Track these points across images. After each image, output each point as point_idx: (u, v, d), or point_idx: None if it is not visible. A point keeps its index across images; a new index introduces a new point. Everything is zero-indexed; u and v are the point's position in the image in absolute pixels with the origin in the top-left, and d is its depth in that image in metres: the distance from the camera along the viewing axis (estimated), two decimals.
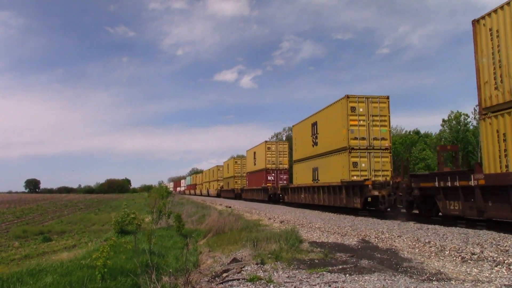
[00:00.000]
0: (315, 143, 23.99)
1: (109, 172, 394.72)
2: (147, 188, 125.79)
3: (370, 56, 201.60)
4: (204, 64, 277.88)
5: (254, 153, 42.09)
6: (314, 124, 24.21)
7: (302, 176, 26.55)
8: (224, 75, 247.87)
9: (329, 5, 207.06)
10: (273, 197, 34.99)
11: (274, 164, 37.47)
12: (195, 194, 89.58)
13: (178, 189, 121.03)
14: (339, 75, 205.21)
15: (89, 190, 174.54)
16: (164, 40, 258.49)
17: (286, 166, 38.00)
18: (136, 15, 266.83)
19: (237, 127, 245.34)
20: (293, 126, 29.58)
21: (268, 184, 36.26)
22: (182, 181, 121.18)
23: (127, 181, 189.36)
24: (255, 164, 41.49)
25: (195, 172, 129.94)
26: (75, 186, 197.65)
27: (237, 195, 50.04)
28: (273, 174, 37.01)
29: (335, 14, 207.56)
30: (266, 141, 38.46)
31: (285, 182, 36.23)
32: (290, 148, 35.78)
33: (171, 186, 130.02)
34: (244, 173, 49.19)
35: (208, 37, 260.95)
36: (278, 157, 37.84)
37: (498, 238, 9.42)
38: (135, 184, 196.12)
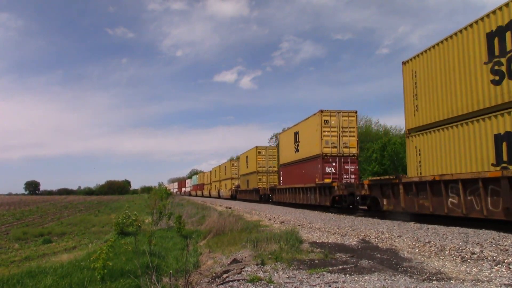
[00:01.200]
0: None
1: (109, 174, 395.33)
2: (147, 190, 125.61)
3: (370, 56, 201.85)
4: (203, 65, 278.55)
5: (296, 134, 27.82)
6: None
7: (453, 156, 12.83)
8: (224, 76, 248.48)
9: (328, 5, 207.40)
10: (344, 202, 20.38)
11: (335, 147, 23.33)
12: (202, 196, 79.16)
13: (183, 189, 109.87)
14: (339, 75, 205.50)
15: (89, 192, 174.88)
16: (164, 41, 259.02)
17: (355, 151, 23.70)
18: (136, 16, 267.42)
19: (237, 128, 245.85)
20: (411, 59, 15.62)
21: (326, 180, 22.70)
22: (188, 180, 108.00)
23: (127, 183, 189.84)
24: (297, 151, 27.57)
25: (195, 172, 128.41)
26: (75, 187, 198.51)
27: (263, 197, 37.71)
28: (333, 164, 23.24)
29: (335, 14, 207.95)
30: (321, 111, 23.43)
31: (353, 176, 23.27)
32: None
33: (175, 187, 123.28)
34: (272, 167, 39.47)
35: (208, 38, 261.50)
36: (341, 136, 23.49)
37: (498, 238, 9.43)
38: (135, 185, 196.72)
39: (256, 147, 40.08)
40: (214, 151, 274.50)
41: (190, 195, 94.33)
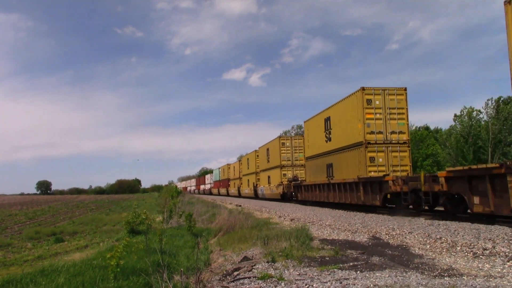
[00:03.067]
0: None
1: (119, 173, 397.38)
2: (157, 188, 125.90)
3: (380, 52, 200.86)
4: (212, 63, 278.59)
5: None
6: None
7: None
8: (233, 74, 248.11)
9: (337, 1, 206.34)
10: None
11: None
12: (227, 195, 59.30)
13: (202, 187, 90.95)
14: (348, 71, 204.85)
15: (99, 191, 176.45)
16: (172, 40, 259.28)
17: None
18: (144, 15, 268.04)
19: (246, 126, 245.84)
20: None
21: None
22: (208, 176, 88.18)
23: (138, 182, 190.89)
24: None
25: (205, 172, 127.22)
26: (86, 187, 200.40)
27: (408, 198, 15.58)
28: None
29: (344, 10, 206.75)
30: None
31: None
32: None
33: (192, 184, 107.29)
34: (400, 133, 19.11)
35: (216, 36, 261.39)
36: None
37: (510, 233, 9.34)
38: (145, 184, 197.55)
39: (363, 89, 18.68)
40: (223, 149, 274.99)
41: (211, 193, 76.33)
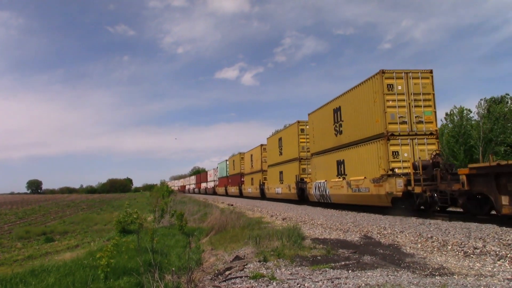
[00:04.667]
0: None
1: (111, 172, 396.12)
2: (149, 188, 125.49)
3: (372, 51, 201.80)
4: (205, 62, 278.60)
5: None
6: None
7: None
8: (225, 72, 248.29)
9: (330, 0, 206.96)
10: None
11: None
12: (240, 195, 45.84)
13: (203, 185, 75.09)
14: (341, 70, 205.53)
15: (91, 190, 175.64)
16: (165, 39, 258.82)
17: None
18: (136, 14, 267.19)
19: (239, 124, 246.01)
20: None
21: None
22: (211, 172, 70.22)
23: (129, 181, 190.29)
24: None
25: (199, 170, 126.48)
26: (77, 186, 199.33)
27: None
28: None
29: (337, 9, 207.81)
30: None
31: None
32: None
33: (192, 182, 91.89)
34: None
35: (209, 34, 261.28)
36: None
37: (501, 232, 9.41)
38: (137, 183, 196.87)
39: None
40: (216, 148, 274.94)
41: (215, 193, 61.52)
